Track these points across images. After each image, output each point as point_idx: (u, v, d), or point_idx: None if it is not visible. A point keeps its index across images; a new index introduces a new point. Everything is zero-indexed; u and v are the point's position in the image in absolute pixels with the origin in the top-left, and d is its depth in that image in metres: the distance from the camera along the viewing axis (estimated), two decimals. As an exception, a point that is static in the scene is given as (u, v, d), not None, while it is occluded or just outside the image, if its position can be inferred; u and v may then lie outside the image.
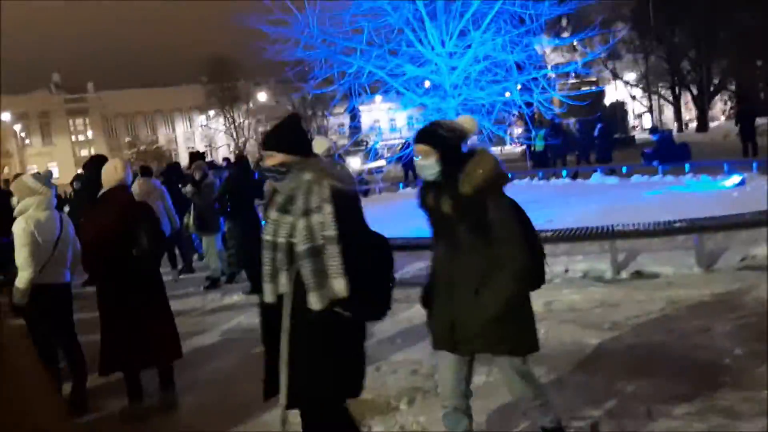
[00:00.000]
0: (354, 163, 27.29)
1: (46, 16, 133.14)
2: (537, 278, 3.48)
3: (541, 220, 11.05)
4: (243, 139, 67.74)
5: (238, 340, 7.03)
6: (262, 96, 63.16)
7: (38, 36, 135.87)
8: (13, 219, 5.21)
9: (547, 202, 13.43)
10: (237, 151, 59.46)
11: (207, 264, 10.34)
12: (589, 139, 20.25)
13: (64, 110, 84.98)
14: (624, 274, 7.63)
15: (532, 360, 3.58)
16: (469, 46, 13.11)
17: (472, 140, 3.71)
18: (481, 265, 3.24)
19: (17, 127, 74.54)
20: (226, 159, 20.82)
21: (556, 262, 8.17)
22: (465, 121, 3.44)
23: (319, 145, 7.50)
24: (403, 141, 21.50)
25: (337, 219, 3.07)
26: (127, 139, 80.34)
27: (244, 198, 8.91)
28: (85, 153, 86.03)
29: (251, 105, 66.94)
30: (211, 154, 62.25)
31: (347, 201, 3.21)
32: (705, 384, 4.53)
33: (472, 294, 3.25)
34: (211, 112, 71.45)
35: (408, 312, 7.12)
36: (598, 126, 19.39)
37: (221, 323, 7.82)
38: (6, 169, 65.96)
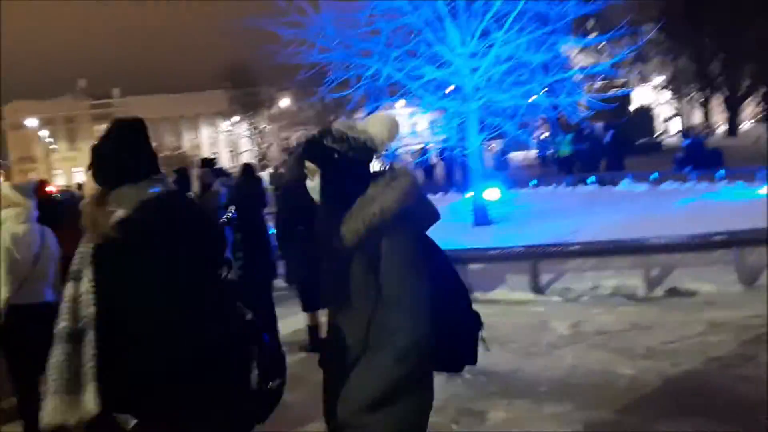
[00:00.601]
0: (375, 167, 26.82)
1: (72, 22, 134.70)
2: (450, 360, 2.50)
3: (566, 231, 10.50)
4: (266, 144, 67.63)
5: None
6: (284, 101, 62.97)
7: (64, 42, 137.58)
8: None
9: (573, 210, 12.83)
10: (258, 158, 59.30)
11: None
12: (599, 146, 19.42)
13: (89, 116, 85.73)
14: (658, 292, 7.03)
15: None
16: (491, 47, 12.54)
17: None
18: (362, 330, 2.23)
19: (43, 133, 75.15)
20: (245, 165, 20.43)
21: (583, 278, 7.61)
22: (373, 124, 2.33)
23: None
24: (423, 146, 21.08)
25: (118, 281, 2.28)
26: (153, 144, 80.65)
27: (249, 208, 8.43)
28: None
29: (274, 110, 66.78)
30: (234, 160, 62.16)
31: (143, 247, 2.30)
32: (753, 425, 3.94)
33: (346, 368, 2.26)
34: (235, 118, 71.49)
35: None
36: (610, 132, 18.48)
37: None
38: (32, 175, 66.48)
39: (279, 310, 7.79)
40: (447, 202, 16.40)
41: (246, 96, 66.26)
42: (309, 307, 6.36)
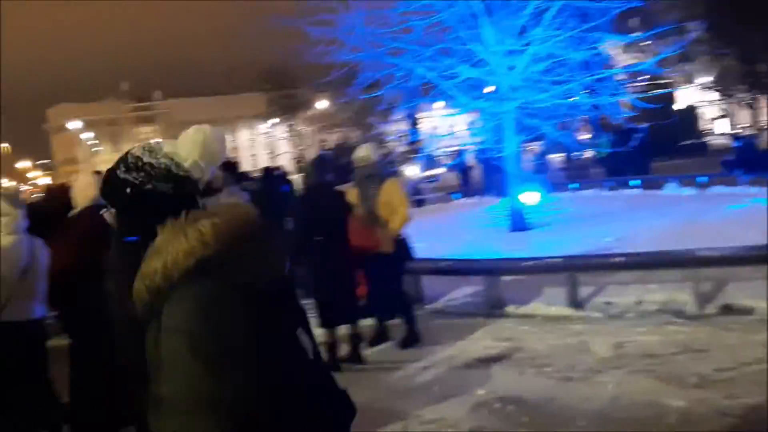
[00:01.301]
0: (411, 172, 26.32)
1: (114, 25, 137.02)
2: None
3: (608, 238, 9.88)
4: (304, 146, 67.67)
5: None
6: (321, 103, 62.90)
7: (107, 45, 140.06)
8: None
9: (615, 215, 12.18)
10: (299, 160, 59.25)
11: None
12: (641, 148, 18.22)
13: (131, 118, 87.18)
14: (710, 309, 6.37)
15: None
16: (529, 44, 11.96)
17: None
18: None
19: (87, 135, 76.43)
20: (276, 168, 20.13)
21: (626, 292, 7.00)
22: (183, 143, 1.72)
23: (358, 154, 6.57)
24: (458, 148, 20.49)
25: None
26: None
27: (268, 215, 8.04)
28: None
29: (311, 112, 66.77)
30: (272, 162, 62.26)
31: None
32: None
33: None
34: (273, 120, 71.69)
35: (449, 349, 6.10)
36: (636, 134, 17.13)
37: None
38: (74, 177, 67.47)
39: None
40: (483, 206, 15.89)
41: (284, 98, 66.43)
42: (327, 323, 5.91)
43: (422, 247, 7.27)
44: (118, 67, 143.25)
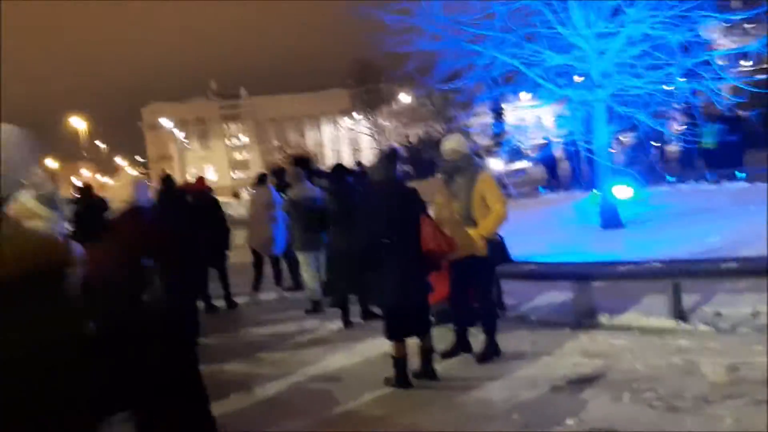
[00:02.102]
0: (496, 164, 25.39)
1: (201, 24, 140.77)
2: None
3: (714, 236, 8.89)
4: (386, 142, 67.39)
5: (318, 392, 5.61)
6: (404, 97, 62.38)
7: (196, 45, 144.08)
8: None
9: (719, 212, 11.06)
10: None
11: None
12: (752, 137, 16.55)
13: (219, 116, 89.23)
14: (844, 323, 5.45)
15: None
16: (623, 26, 11.00)
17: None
18: None
19: (179, 132, 78.72)
20: (357, 163, 19.73)
21: (739, 301, 6.12)
22: None
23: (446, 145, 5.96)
24: (545, 140, 19.50)
25: None
26: (276, 143, 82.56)
27: (337, 212, 7.53)
28: (239, 156, 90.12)
29: (394, 107, 66.36)
30: (355, 158, 62.32)
31: None
32: None
33: None
34: (357, 115, 71.82)
35: (532, 366, 5.41)
36: (718, 127, 15.37)
37: (307, 363, 6.41)
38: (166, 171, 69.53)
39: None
40: (572, 201, 14.92)
41: (367, 93, 66.30)
42: (395, 334, 5.34)
43: (508, 243, 6.66)
44: (207, 65, 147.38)
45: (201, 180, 10.13)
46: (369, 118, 69.54)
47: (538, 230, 11.10)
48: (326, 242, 8.26)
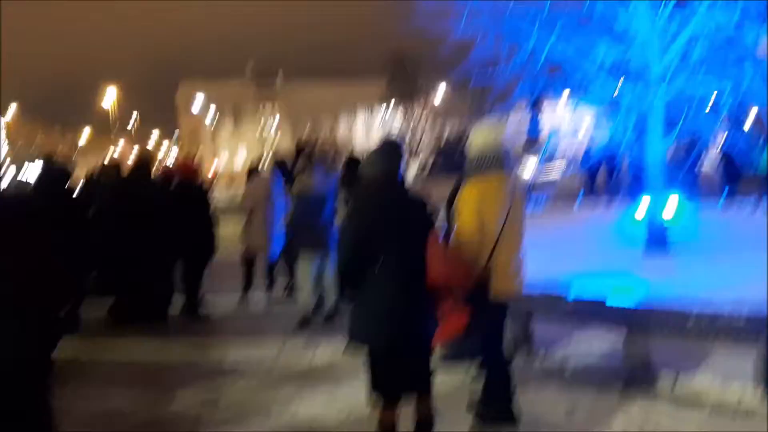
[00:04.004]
0: (528, 170, 23.84)
1: (243, 5, 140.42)
2: None
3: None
4: (420, 134, 66.20)
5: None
6: (441, 90, 60.93)
7: (234, 25, 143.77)
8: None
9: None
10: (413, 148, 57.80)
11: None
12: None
13: (254, 97, 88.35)
14: None
15: None
16: (690, 17, 9.44)
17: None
18: None
19: (211, 113, 78.24)
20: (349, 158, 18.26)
21: None
22: None
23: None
24: (586, 144, 17.89)
25: None
26: (307, 129, 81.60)
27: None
28: (270, 139, 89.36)
29: (430, 99, 65.01)
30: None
31: None
32: None
33: None
34: (391, 106, 70.75)
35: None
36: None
37: (272, 405, 5.02)
38: (196, 151, 69.21)
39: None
40: (613, 216, 13.30)
41: (403, 84, 65.19)
42: (384, 392, 3.92)
43: (534, 269, 5.02)
44: (246, 46, 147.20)
45: (189, 163, 8.77)
46: (404, 110, 68.40)
47: (575, 249, 9.57)
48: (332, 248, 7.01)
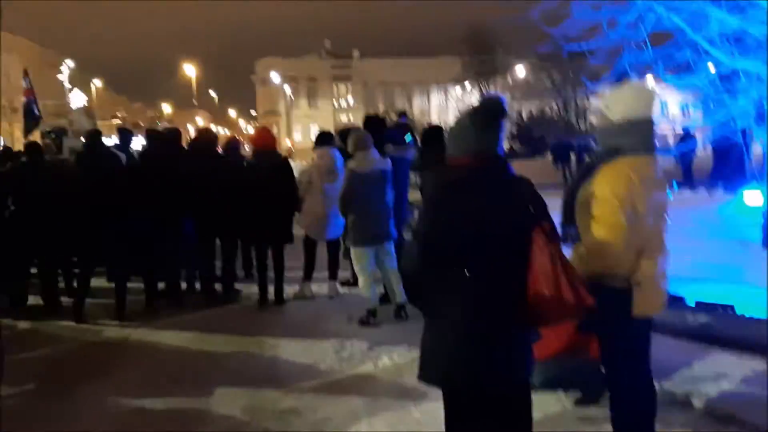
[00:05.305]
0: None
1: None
2: None
3: None
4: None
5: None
6: (520, 69, 58.95)
7: (311, 3, 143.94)
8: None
9: None
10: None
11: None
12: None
13: (330, 75, 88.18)
14: None
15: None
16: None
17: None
18: None
19: (287, 89, 78.46)
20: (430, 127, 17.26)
21: None
22: None
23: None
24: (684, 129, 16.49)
25: None
26: (381, 108, 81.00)
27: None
28: (344, 118, 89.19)
29: (509, 79, 63.01)
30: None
31: None
32: None
33: None
34: (467, 85, 69.05)
35: None
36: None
37: (315, 424, 4.21)
38: (274, 128, 69.84)
39: None
40: (714, 205, 11.96)
41: (481, 63, 63.37)
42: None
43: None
44: (323, 24, 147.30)
45: (267, 132, 8.32)
46: (481, 90, 66.70)
47: (679, 240, 8.36)
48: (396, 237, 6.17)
